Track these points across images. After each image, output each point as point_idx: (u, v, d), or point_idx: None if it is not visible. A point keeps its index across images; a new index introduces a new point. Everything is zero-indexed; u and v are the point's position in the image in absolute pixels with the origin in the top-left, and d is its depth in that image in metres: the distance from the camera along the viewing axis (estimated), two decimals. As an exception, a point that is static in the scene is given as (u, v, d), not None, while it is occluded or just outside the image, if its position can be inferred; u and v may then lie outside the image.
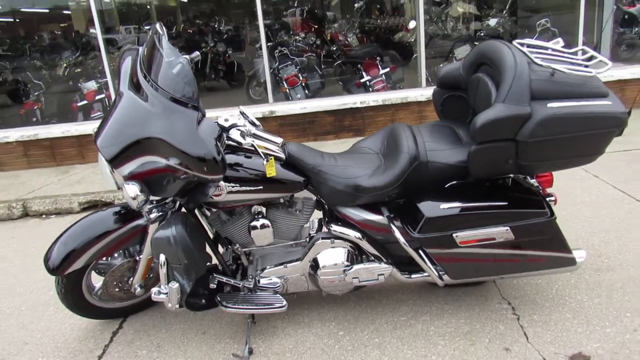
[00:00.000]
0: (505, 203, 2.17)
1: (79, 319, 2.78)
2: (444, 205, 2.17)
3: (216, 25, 9.62)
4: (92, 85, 6.39)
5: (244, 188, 2.25)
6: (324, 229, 2.53)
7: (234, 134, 2.15)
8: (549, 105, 2.01)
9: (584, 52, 2.24)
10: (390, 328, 2.48)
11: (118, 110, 2.11)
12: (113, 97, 5.94)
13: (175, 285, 2.20)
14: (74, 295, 2.53)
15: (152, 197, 2.21)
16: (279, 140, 2.22)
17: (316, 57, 7.70)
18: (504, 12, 7.41)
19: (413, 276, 2.43)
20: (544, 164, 2.14)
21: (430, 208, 2.18)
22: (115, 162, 2.06)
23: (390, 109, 5.81)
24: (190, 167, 2.01)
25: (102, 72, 6.30)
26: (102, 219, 2.49)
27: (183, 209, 2.45)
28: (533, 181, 2.40)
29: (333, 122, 5.85)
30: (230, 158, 2.24)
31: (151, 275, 2.67)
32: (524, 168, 2.15)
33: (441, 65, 6.50)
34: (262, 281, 2.47)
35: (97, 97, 6.35)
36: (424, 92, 5.76)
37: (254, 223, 2.37)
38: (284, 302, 2.41)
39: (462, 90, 2.51)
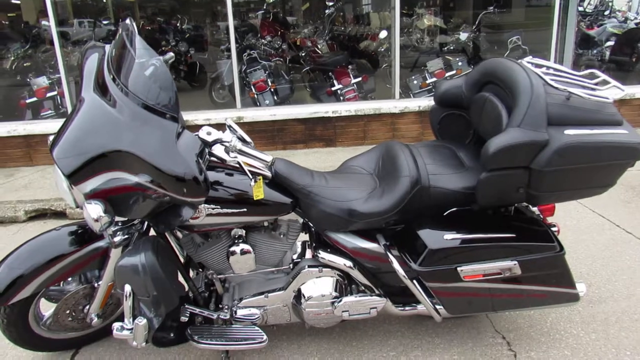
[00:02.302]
0: (514, 235, 2.00)
1: (23, 350, 2.41)
2: (448, 236, 1.99)
3: (178, 24, 9.24)
4: (43, 81, 5.88)
5: (225, 210, 1.98)
6: (308, 255, 2.30)
7: (218, 149, 1.89)
8: (566, 132, 1.86)
9: (594, 76, 2.12)
10: (380, 365, 2.27)
11: (80, 116, 1.81)
12: (66, 94, 5.49)
13: (142, 321, 1.90)
14: (18, 326, 2.18)
15: (116, 218, 1.91)
16: (269, 158, 1.97)
17: (284, 62, 7.46)
18: (474, 27, 7.42)
19: (406, 309, 2.23)
20: (556, 194, 1.98)
21: (433, 238, 1.98)
22: (75, 177, 1.75)
23: (362, 119, 5.64)
24: (167, 188, 1.73)
25: (54, 67, 5.82)
26: (56, 240, 2.16)
27: (151, 231, 2.16)
28: (534, 209, 2.26)
29: (303, 130, 5.62)
30: (210, 176, 1.97)
31: (110, 302, 2.36)
32: (534, 197, 1.99)
33: (412, 77, 6.40)
34: (240, 312, 2.20)
35: (49, 95, 5.84)
36: (397, 104, 5.62)
37: (233, 248, 2.11)
38: (264, 337, 2.15)
39: (463, 110, 2.34)
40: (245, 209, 2.00)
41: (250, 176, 1.89)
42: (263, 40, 7.92)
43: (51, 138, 1.96)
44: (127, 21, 2.04)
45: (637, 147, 1.88)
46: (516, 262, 1.98)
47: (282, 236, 2.20)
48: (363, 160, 2.35)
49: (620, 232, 3.47)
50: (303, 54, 7.60)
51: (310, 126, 5.61)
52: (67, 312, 2.27)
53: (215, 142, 1.88)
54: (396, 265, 2.05)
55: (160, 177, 1.72)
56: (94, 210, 1.76)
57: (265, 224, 2.16)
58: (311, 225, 2.23)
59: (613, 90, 2.00)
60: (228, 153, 1.90)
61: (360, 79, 6.27)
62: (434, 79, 6.26)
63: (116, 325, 1.98)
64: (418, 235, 2.01)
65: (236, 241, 2.13)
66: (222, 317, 2.19)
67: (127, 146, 1.72)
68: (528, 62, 2.09)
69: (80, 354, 2.41)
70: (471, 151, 2.24)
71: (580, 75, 2.10)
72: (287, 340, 2.45)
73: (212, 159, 1.93)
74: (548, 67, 2.09)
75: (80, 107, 1.83)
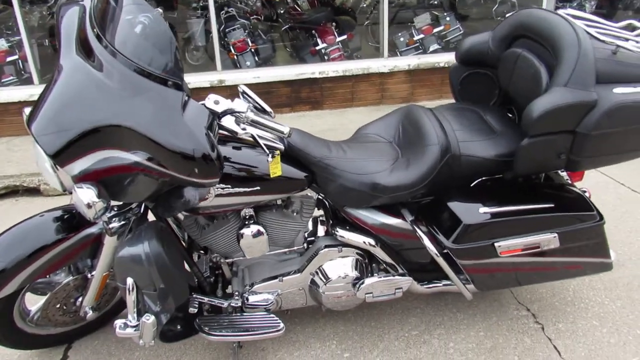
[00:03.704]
0: (552, 205, 1.84)
1: (9, 349, 2.18)
2: (483, 209, 1.81)
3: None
4: (1, 44, 5.38)
5: (236, 190, 1.76)
6: (320, 233, 2.11)
7: (227, 121, 1.64)
8: (615, 90, 1.68)
9: (634, 27, 1.93)
10: (403, 346, 2.13)
11: (62, 84, 1.52)
12: (29, 58, 5.03)
13: (150, 319, 1.67)
14: (2, 325, 1.94)
15: (112, 203, 1.67)
16: (286, 129, 1.72)
17: (262, 20, 7.06)
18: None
19: (431, 286, 2.08)
20: (598, 159, 1.82)
21: (468, 212, 1.81)
22: (61, 157, 1.49)
23: (350, 80, 5.38)
24: (173, 168, 1.49)
25: (12, 28, 5.33)
26: (40, 228, 1.90)
27: (149, 214, 1.92)
28: (563, 174, 2.10)
29: (289, 93, 5.33)
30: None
31: (105, 293, 2.13)
32: (574, 163, 1.82)
33: (399, 34, 6.12)
34: (252, 299, 2.01)
35: (9, 59, 5.34)
36: (387, 63, 5.37)
37: (244, 231, 1.89)
38: (281, 324, 1.98)
39: (489, 68, 2.14)
40: (258, 187, 1.78)
41: (267, 151, 1.66)
42: (237, -3, 7.45)
43: (27, 110, 1.68)
44: None
45: (689, 106, 1.72)
46: (556, 235, 1.83)
47: (295, 214, 2.00)
48: (380, 127, 2.13)
49: (626, 190, 3.39)
50: (282, 11, 7.19)
51: (296, 88, 5.32)
52: (57, 306, 2.04)
53: (225, 112, 1.63)
54: (427, 242, 1.88)
55: (166, 156, 1.47)
56: (86, 195, 1.51)
57: (279, 202, 1.95)
58: (328, 201, 2.03)
59: (658, 43, 1.83)
60: (239, 124, 1.65)
61: (345, 37, 5.96)
62: (422, 36, 5.99)
63: (118, 322, 1.76)
64: (450, 208, 1.83)
65: (246, 222, 1.91)
66: (233, 304, 2.00)
67: (123, 120, 1.46)
68: (565, 14, 1.88)
69: (74, 348, 2.20)
70: (498, 114, 2.05)
71: (619, 27, 1.91)
72: (301, 323, 2.28)
73: (221, 131, 1.68)
74: (587, 19, 1.89)
75: (61, 74, 1.55)
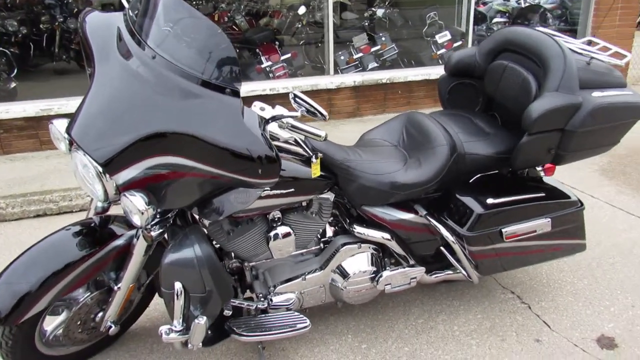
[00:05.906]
0: (544, 194, 2.13)
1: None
2: (491, 200, 2.05)
3: (64, -2, 8.29)
4: None
5: (274, 192, 1.85)
6: (329, 233, 2.24)
7: (273, 126, 1.75)
8: (594, 94, 2.00)
9: (594, 44, 2.29)
10: (414, 333, 2.30)
11: (104, 90, 1.56)
12: None
13: (203, 320, 1.72)
14: (24, 347, 1.87)
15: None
16: (322, 133, 1.84)
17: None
18: (387, 3, 7.61)
19: (438, 275, 2.28)
20: (579, 153, 2.13)
21: (478, 203, 2.04)
22: (111, 166, 1.52)
23: (299, 96, 5.55)
24: (239, 171, 1.57)
25: None
26: (63, 245, 1.86)
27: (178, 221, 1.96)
28: (539, 170, 2.41)
29: (240, 110, 5.39)
30: None
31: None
32: (560, 158, 2.12)
33: (339, 53, 6.41)
34: (276, 299, 2.08)
35: None
36: (334, 80, 5.62)
37: (274, 232, 1.98)
38: (307, 321, 2.06)
39: (474, 78, 2.41)
40: (293, 189, 1.89)
41: (311, 153, 1.78)
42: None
43: (58, 122, 1.69)
44: None
45: (646, 107, 2.09)
46: (549, 219, 2.11)
47: (314, 215, 2.11)
48: (383, 133, 2.32)
49: (566, 188, 3.84)
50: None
51: (248, 105, 5.40)
52: (78, 323, 1.98)
53: (273, 118, 1.73)
54: (443, 231, 2.08)
55: (231, 159, 1.55)
56: (139, 202, 1.54)
57: (304, 203, 2.06)
58: (343, 201, 2.17)
59: (617, 55, 2.19)
60: (282, 129, 1.76)
61: (289, 55, 6.15)
62: (361, 54, 6.34)
63: (163, 328, 1.77)
64: (462, 201, 2.05)
65: (275, 224, 2.00)
66: (260, 306, 2.07)
67: (182, 127, 1.52)
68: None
69: (87, 368, 2.14)
70: (486, 118, 2.32)
71: (581, 42, 2.26)
72: (313, 323, 2.38)
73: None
74: (560, 36, 2.21)
75: (101, 80, 1.58)
